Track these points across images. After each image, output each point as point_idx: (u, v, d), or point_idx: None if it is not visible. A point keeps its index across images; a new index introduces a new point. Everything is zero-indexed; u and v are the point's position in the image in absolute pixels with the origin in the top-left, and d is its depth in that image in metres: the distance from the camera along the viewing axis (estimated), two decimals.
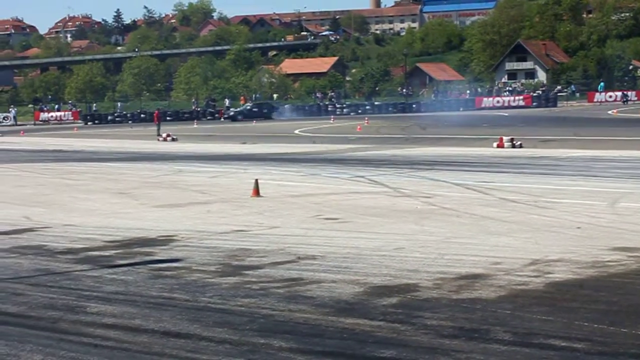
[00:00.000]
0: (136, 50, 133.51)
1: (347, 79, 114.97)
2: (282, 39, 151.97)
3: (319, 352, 7.10)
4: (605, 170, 22.32)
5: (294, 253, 11.42)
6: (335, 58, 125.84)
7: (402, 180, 20.93)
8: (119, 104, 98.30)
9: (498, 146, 31.34)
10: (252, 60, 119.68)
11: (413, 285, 9.33)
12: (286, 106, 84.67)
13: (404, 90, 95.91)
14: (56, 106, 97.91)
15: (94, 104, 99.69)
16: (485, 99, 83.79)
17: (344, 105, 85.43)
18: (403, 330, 7.63)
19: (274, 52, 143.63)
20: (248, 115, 75.60)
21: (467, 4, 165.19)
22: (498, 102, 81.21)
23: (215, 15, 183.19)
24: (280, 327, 7.79)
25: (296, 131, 52.27)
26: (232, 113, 79.35)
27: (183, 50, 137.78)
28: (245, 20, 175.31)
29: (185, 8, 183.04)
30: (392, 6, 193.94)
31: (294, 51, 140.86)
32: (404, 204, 16.50)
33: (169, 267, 10.74)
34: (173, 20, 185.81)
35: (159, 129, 52.04)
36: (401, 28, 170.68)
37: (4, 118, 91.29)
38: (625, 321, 7.68)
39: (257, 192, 18.34)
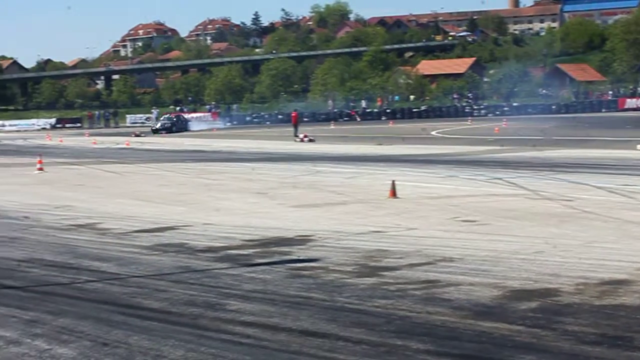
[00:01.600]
0: (274, 52, 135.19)
1: (485, 80, 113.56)
2: (423, 40, 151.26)
3: (457, 355, 7.02)
4: None
5: (431, 255, 11.34)
6: (473, 59, 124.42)
7: (542, 183, 20.52)
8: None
9: None
10: (389, 62, 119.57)
11: (554, 290, 9.13)
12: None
13: (543, 91, 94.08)
14: (210, 106, 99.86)
15: (234, 105, 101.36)
16: (628, 99, 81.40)
17: (482, 107, 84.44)
18: (543, 335, 7.47)
19: (411, 54, 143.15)
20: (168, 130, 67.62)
21: (610, 2, 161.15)
22: None
23: (351, 16, 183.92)
24: (418, 329, 7.74)
25: (433, 132, 51.99)
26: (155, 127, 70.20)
27: (320, 52, 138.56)
28: (381, 22, 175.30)
29: (322, 10, 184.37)
30: (531, 6, 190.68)
31: (431, 52, 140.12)
32: (544, 207, 16.17)
33: (307, 267, 10.81)
34: (310, 22, 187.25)
35: (296, 130, 52.52)
36: (540, 28, 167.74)
37: (146, 119, 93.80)
38: None
39: (394, 193, 18.29)
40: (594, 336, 7.41)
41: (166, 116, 75.49)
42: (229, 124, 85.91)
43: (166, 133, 65.23)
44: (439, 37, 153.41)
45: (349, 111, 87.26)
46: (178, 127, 68.60)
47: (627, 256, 10.87)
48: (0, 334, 7.87)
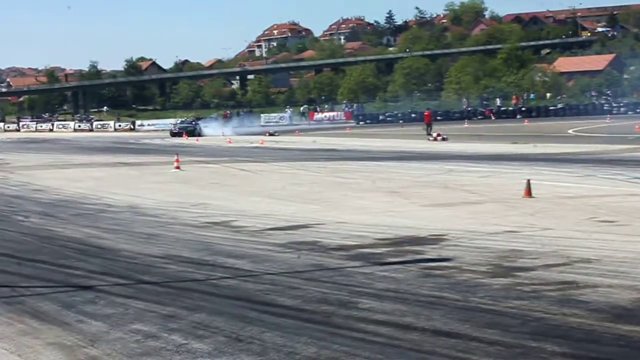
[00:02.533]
0: (407, 50, 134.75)
1: (625, 77, 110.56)
2: (561, 36, 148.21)
3: (594, 358, 6.85)
4: None
5: (567, 256, 11.08)
6: (612, 55, 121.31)
7: None
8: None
9: None
10: (524, 59, 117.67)
11: None
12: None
13: None
14: (345, 105, 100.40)
15: (354, 105, 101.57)
16: None
17: (621, 104, 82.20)
18: None
19: (547, 51, 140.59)
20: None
21: None
22: None
23: (486, 14, 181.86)
24: (553, 331, 7.57)
25: (569, 131, 50.93)
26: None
27: (454, 50, 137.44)
28: (517, 19, 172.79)
29: (456, 7, 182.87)
30: None
31: (568, 49, 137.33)
32: None
33: (439, 266, 10.72)
34: (444, 20, 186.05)
35: (429, 129, 52.26)
36: None
37: (280, 118, 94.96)
38: None
39: (529, 192, 17.98)
40: None
41: (184, 119, 76.00)
42: (362, 122, 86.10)
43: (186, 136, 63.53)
44: (585, 33, 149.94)
45: (483, 110, 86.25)
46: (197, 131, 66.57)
47: None
48: (139, 328, 8.07)
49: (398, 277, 10.14)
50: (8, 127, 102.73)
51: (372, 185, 21.90)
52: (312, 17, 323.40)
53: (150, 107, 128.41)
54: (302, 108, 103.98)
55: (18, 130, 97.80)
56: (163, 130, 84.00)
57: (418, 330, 7.72)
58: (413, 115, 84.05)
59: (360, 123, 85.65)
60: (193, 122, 71.78)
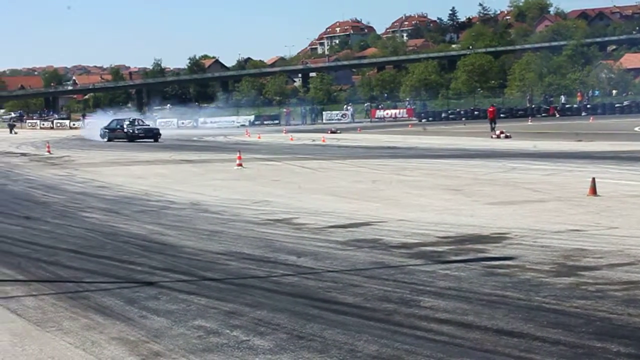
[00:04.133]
0: (470, 47, 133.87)
1: None
2: (632, 32, 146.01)
3: None
4: None
5: (633, 255, 10.91)
6: None
7: None
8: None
9: None
10: (590, 56, 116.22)
11: None
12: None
13: None
14: (408, 102, 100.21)
15: (428, 102, 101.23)
16: None
17: None
18: None
19: (614, 47, 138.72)
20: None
21: None
22: None
23: (551, 10, 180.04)
24: (619, 332, 7.46)
25: (636, 129, 50.17)
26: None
27: (518, 47, 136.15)
28: (583, 15, 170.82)
29: (520, 4, 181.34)
30: None
31: (635, 45, 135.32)
32: None
33: (502, 265, 10.62)
34: (508, 17, 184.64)
35: (493, 126, 51.86)
36: None
37: (342, 115, 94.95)
38: None
39: (594, 190, 17.75)
40: None
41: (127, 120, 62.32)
42: (424, 120, 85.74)
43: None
44: None
45: (547, 107, 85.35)
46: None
47: None
48: (201, 324, 8.12)
49: (460, 276, 10.07)
50: (43, 124, 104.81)
51: (434, 183, 21.80)
52: (374, 15, 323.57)
53: (213, 105, 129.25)
54: (365, 105, 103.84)
55: (52, 128, 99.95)
56: (226, 127, 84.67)
57: (480, 329, 7.66)
58: (476, 112, 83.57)
59: (423, 120, 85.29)
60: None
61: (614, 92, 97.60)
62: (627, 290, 9.03)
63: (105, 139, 58.09)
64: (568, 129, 51.99)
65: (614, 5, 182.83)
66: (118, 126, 58.93)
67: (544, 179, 22.09)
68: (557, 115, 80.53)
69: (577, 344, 7.12)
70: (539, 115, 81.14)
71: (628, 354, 6.84)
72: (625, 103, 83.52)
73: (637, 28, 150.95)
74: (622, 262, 10.53)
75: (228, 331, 7.84)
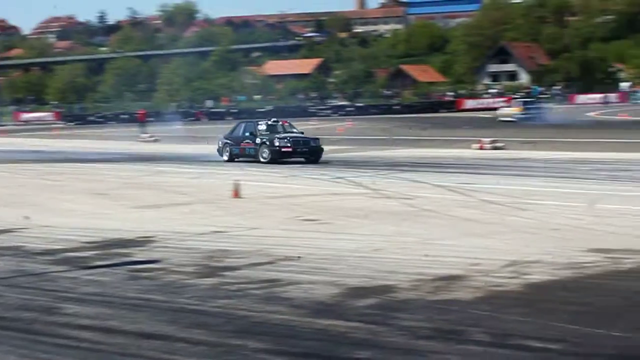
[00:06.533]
0: (117, 51, 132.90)
1: (331, 80, 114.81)
2: (273, 40, 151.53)
3: (294, 353, 7.09)
4: (586, 172, 22.40)
5: (272, 254, 11.39)
6: (319, 59, 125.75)
7: (383, 182, 20.94)
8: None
9: (480, 148, 31.40)
10: (236, 62, 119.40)
11: (390, 287, 9.33)
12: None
13: (388, 92, 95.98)
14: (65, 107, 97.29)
15: (76, 105, 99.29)
16: (467, 100, 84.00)
17: (327, 107, 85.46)
18: (379, 331, 7.62)
19: (258, 54, 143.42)
20: None
21: (452, 5, 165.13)
22: (480, 103, 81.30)
23: (200, 16, 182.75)
24: (257, 328, 7.77)
25: None
26: None
27: (167, 51, 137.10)
28: (230, 22, 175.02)
29: (169, 9, 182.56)
30: (377, 8, 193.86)
31: (278, 52, 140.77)
32: (384, 206, 16.50)
33: (147, 268, 10.68)
34: (158, 21, 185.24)
35: (142, 129, 51.78)
36: (386, 30, 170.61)
37: None
38: (600, 322, 7.70)
39: (237, 193, 18.29)
40: (428, 330, 7.60)
41: None
42: (71, 123, 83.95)
43: None
44: (296, 38, 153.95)
45: (194, 111, 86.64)
46: None
47: (462, 252, 11.19)
48: None
49: (104, 281, 10.01)
50: None
51: (80, 187, 21.43)
52: (21, 15, 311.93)
53: None
54: (9, 108, 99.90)
55: None
56: None
57: (124, 334, 7.67)
58: (124, 116, 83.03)
59: (70, 124, 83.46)
60: None
61: (258, 97, 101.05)
62: (266, 288, 9.42)
63: None
64: (216, 133, 52.94)
65: (259, 14, 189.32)
66: None
67: (191, 182, 22.45)
68: (205, 120, 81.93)
69: (218, 343, 7.34)
70: (187, 120, 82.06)
71: (265, 349, 7.15)
72: (268, 108, 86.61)
73: (280, 36, 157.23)
74: (262, 261, 10.96)
75: None
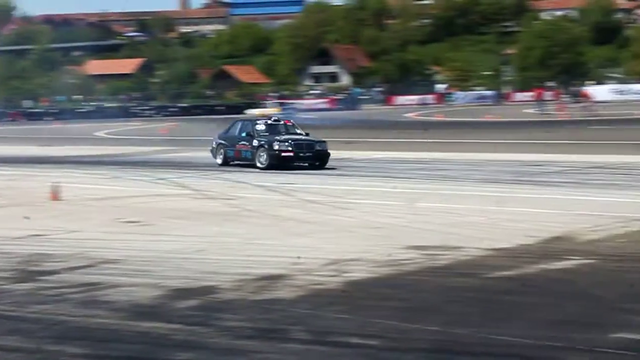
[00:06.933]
0: None
1: (154, 80, 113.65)
2: (92, 39, 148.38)
3: (115, 357, 7.02)
4: (406, 171, 22.98)
5: (92, 257, 11.18)
6: (142, 59, 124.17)
7: (207, 182, 20.92)
8: None
9: None
10: (55, 61, 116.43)
11: (213, 287, 9.33)
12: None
13: (211, 92, 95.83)
14: None
15: None
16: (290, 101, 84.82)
17: (150, 108, 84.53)
18: (201, 332, 7.61)
19: (79, 53, 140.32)
20: None
21: (276, 7, 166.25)
22: (305, 105, 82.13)
23: (17, 13, 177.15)
24: (76, 333, 7.63)
25: (98, 133, 51.13)
26: None
27: None
28: (49, 20, 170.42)
29: None
30: (201, 8, 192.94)
31: (99, 52, 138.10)
32: (207, 206, 16.48)
33: None
34: None
35: None
36: (209, 30, 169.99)
37: None
38: (417, 317, 7.94)
39: (55, 195, 17.82)
40: (250, 330, 7.64)
41: None
42: None
43: None
44: (121, 38, 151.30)
45: (11, 112, 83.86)
46: None
47: (284, 252, 11.31)
48: None
49: None
50: None
51: None
52: None
53: None
54: None
55: None
56: None
57: None
58: None
59: None
60: None
61: (78, 97, 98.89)
62: (86, 292, 9.26)
63: None
64: (34, 134, 51.56)
65: (80, 12, 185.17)
66: None
67: (7, 184, 21.71)
68: (23, 120, 79.47)
69: (34, 350, 7.16)
70: (4, 120, 79.39)
71: (84, 354, 7.05)
72: (89, 108, 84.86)
73: (101, 36, 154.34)
74: (81, 264, 10.75)
75: None
